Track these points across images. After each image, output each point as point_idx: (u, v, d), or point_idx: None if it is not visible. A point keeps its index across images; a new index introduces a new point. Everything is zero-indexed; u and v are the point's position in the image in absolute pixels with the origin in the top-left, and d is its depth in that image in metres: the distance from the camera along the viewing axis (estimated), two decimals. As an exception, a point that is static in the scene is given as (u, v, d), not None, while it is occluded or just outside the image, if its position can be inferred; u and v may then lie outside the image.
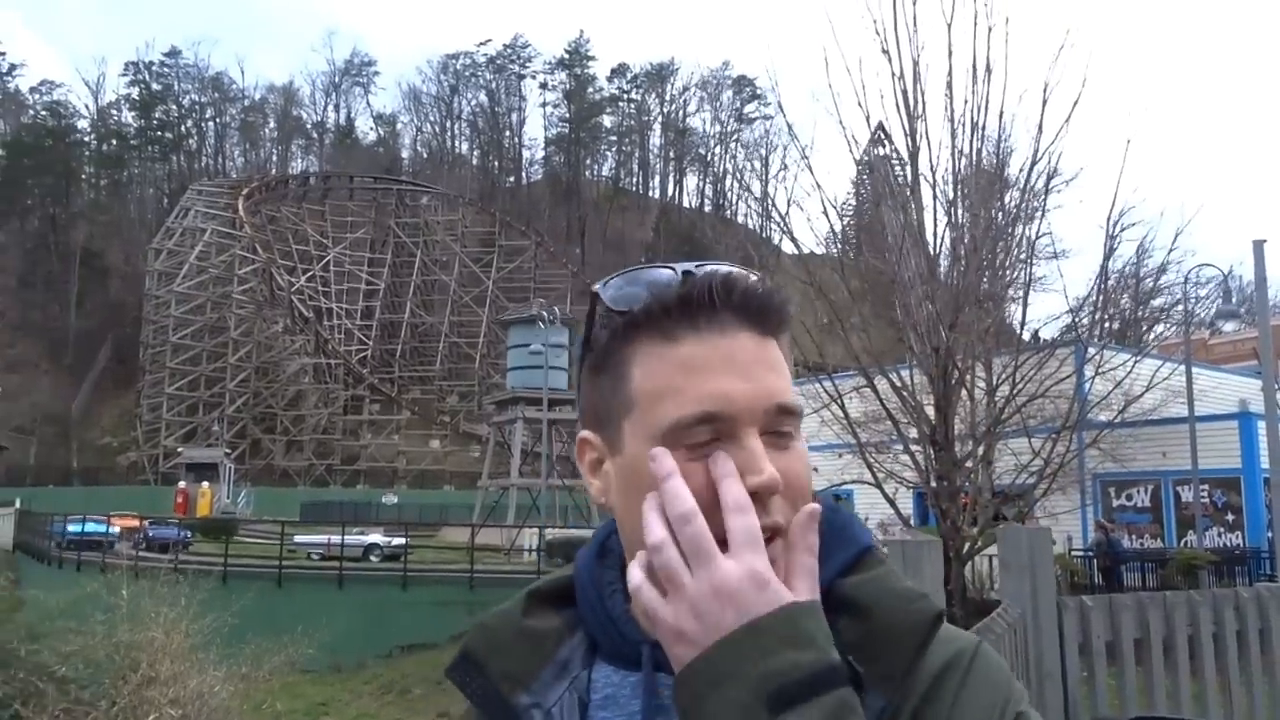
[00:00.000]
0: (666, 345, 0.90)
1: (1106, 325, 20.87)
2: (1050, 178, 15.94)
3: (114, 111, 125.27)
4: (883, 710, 0.86)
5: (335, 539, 31.54)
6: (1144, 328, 26.40)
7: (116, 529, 35.14)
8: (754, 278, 0.93)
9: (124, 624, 9.65)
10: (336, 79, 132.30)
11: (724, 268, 0.92)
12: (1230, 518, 24.43)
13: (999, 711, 0.88)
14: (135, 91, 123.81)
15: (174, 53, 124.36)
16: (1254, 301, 20.06)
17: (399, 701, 21.64)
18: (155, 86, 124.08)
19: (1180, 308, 24.42)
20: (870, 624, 0.90)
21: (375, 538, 34.18)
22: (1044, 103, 15.31)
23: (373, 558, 32.11)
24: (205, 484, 57.36)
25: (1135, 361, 16.62)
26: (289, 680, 14.24)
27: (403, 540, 32.57)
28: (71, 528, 35.35)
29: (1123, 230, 16.25)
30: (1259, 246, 16.99)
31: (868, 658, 0.88)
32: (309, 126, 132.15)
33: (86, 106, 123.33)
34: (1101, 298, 17.51)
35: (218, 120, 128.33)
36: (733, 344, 0.90)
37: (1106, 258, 16.25)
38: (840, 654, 0.87)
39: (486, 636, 1.00)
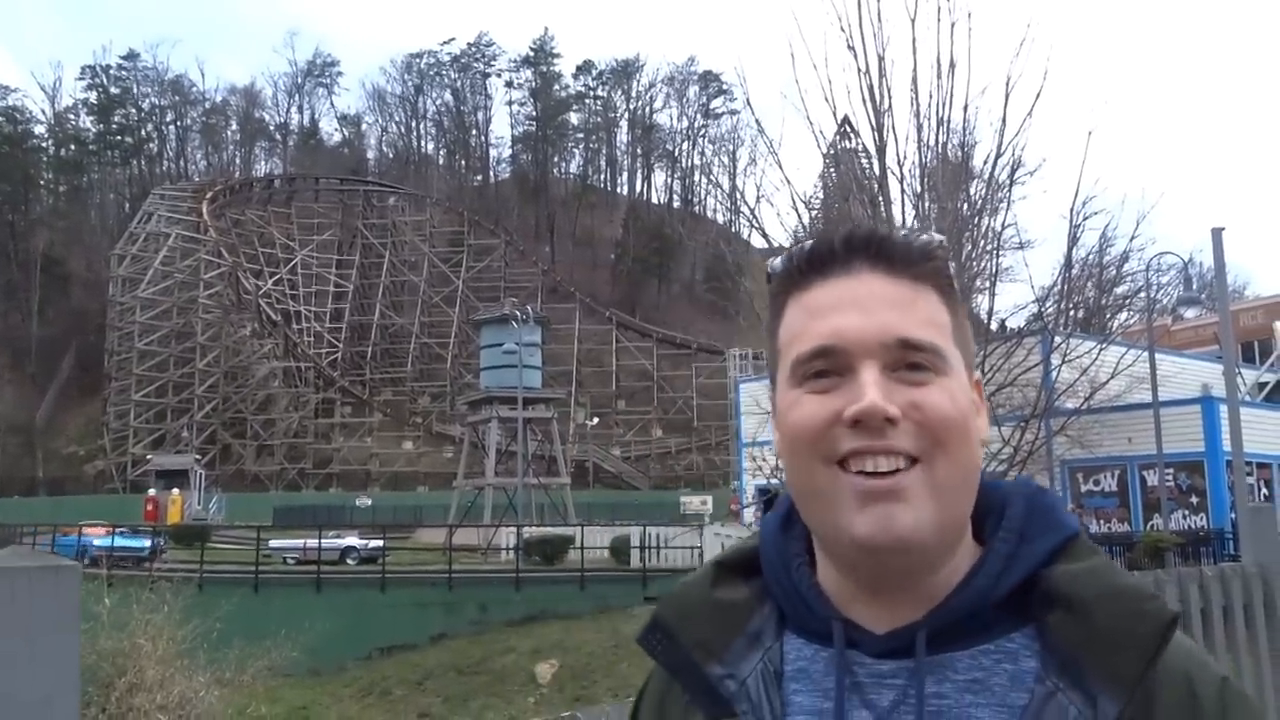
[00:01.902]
0: (801, 294, 0.96)
1: (1072, 314, 21.22)
2: (1014, 170, 16.20)
3: (72, 116, 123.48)
4: (1117, 716, 0.83)
5: (311, 543, 31.43)
6: (1108, 315, 26.82)
7: (148, 542, 33.47)
8: (898, 228, 0.98)
9: (105, 631, 9.65)
10: (299, 80, 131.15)
11: (870, 226, 0.97)
12: (1194, 500, 24.94)
13: None
14: (93, 95, 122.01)
15: (132, 55, 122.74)
16: (1214, 288, 20.52)
17: (380, 703, 21.64)
18: (114, 90, 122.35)
19: (1143, 295, 24.90)
20: (1092, 624, 0.86)
21: (351, 541, 34.08)
22: (1007, 96, 15.56)
23: (350, 561, 32.03)
24: (175, 491, 56.77)
25: (1100, 349, 16.94)
26: (270, 685, 14.25)
27: (380, 542, 32.52)
28: (99, 541, 32.74)
29: (1085, 219, 16.52)
30: (1217, 234, 17.38)
31: (1091, 661, 0.85)
32: (272, 128, 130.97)
33: (43, 111, 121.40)
34: (1066, 286, 17.82)
35: (179, 123, 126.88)
36: (857, 285, 0.93)
37: (1070, 247, 16.54)
38: (1054, 652, 0.87)
39: (677, 606, 1.01)
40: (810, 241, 0.98)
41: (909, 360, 0.91)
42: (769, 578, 1.00)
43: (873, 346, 0.90)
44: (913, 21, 15.95)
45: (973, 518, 0.97)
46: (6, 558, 1.38)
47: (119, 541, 32.05)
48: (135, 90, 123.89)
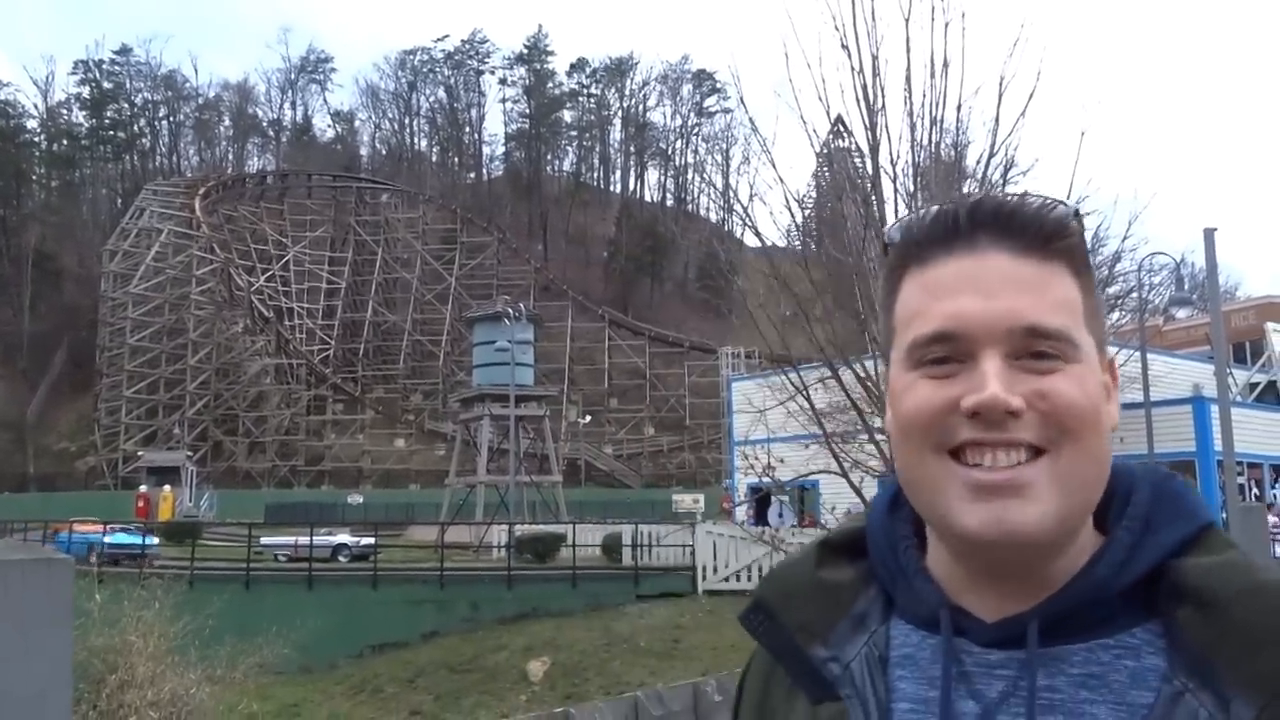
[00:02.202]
0: (921, 270, 0.90)
1: (1064, 314, 21.27)
2: (1007, 169, 16.22)
3: (64, 111, 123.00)
4: None
5: (302, 540, 31.36)
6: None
7: (156, 540, 33.10)
8: (1028, 197, 0.89)
9: (97, 628, 9.62)
10: (292, 76, 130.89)
11: (996, 195, 0.89)
12: (1185, 500, 25.06)
13: None
14: (86, 90, 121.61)
15: (125, 50, 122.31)
16: (1206, 288, 20.58)
17: (371, 701, 21.61)
18: (106, 85, 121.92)
19: (1135, 295, 24.96)
20: (1229, 621, 0.80)
21: (343, 538, 34.02)
22: (1000, 96, 15.58)
23: (341, 558, 31.98)
24: (167, 488, 56.63)
25: (1092, 349, 17.02)
26: (261, 682, 14.22)
27: (371, 540, 32.46)
28: (114, 539, 32.31)
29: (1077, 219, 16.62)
30: (1209, 235, 17.44)
31: (1227, 662, 0.79)
32: (265, 124, 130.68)
33: (35, 106, 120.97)
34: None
35: (171, 119, 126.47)
36: (982, 264, 0.87)
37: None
38: (1183, 650, 0.82)
39: (779, 586, 0.99)
40: (932, 210, 0.91)
41: (1035, 348, 0.85)
42: (875, 560, 0.97)
43: (997, 333, 0.84)
44: (906, 21, 15.96)
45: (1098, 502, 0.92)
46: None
47: (125, 539, 31.85)
48: (128, 85, 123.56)
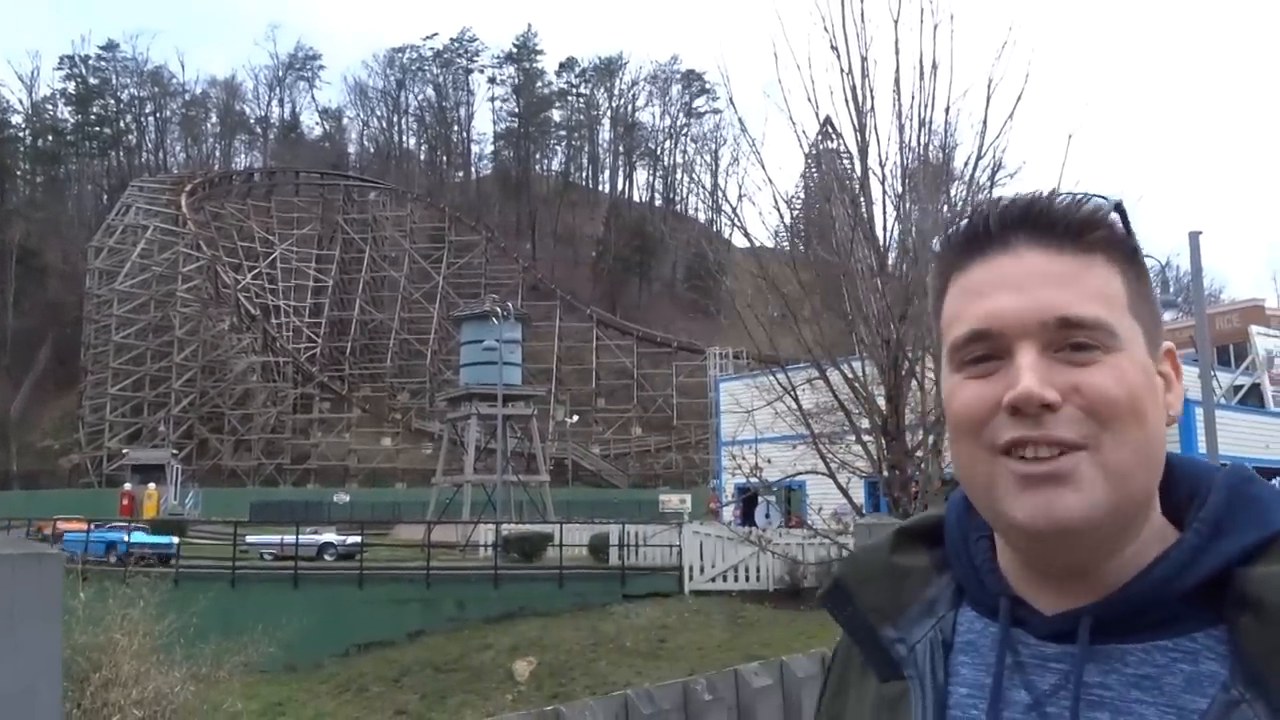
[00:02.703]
0: (962, 276, 0.92)
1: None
2: (995, 172, 16.28)
3: (49, 106, 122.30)
4: None
5: (288, 539, 31.25)
6: (1086, 318, 27.08)
7: (175, 540, 32.02)
8: (1058, 195, 0.91)
9: (80, 626, 9.57)
10: (280, 73, 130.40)
11: (1027, 195, 0.91)
12: (1169, 501, 25.21)
13: None
14: (71, 86, 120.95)
15: (111, 46, 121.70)
16: (1191, 291, 20.72)
17: (356, 700, 21.55)
18: (92, 81, 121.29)
19: (1120, 298, 25.08)
20: None
21: (329, 537, 33.92)
22: (988, 98, 15.64)
23: (327, 557, 31.88)
24: (152, 485, 56.39)
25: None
26: (246, 681, 14.17)
27: (357, 539, 32.37)
28: (138, 538, 31.33)
29: (1064, 223, 16.72)
30: (1195, 238, 17.58)
31: None
32: (252, 121, 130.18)
33: (20, 101, 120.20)
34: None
35: (158, 115, 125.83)
36: (1016, 263, 0.89)
37: (1050, 250, 16.71)
38: (1244, 659, 0.81)
39: (856, 568, 1.03)
40: (967, 219, 0.93)
41: (1072, 340, 0.86)
42: (949, 549, 0.99)
43: (1031, 327, 0.86)
44: (895, 23, 16.00)
45: (1178, 500, 0.92)
46: (-11, 545, 1.36)
47: (144, 538, 31.27)
48: (114, 81, 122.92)
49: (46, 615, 1.34)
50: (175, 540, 31.22)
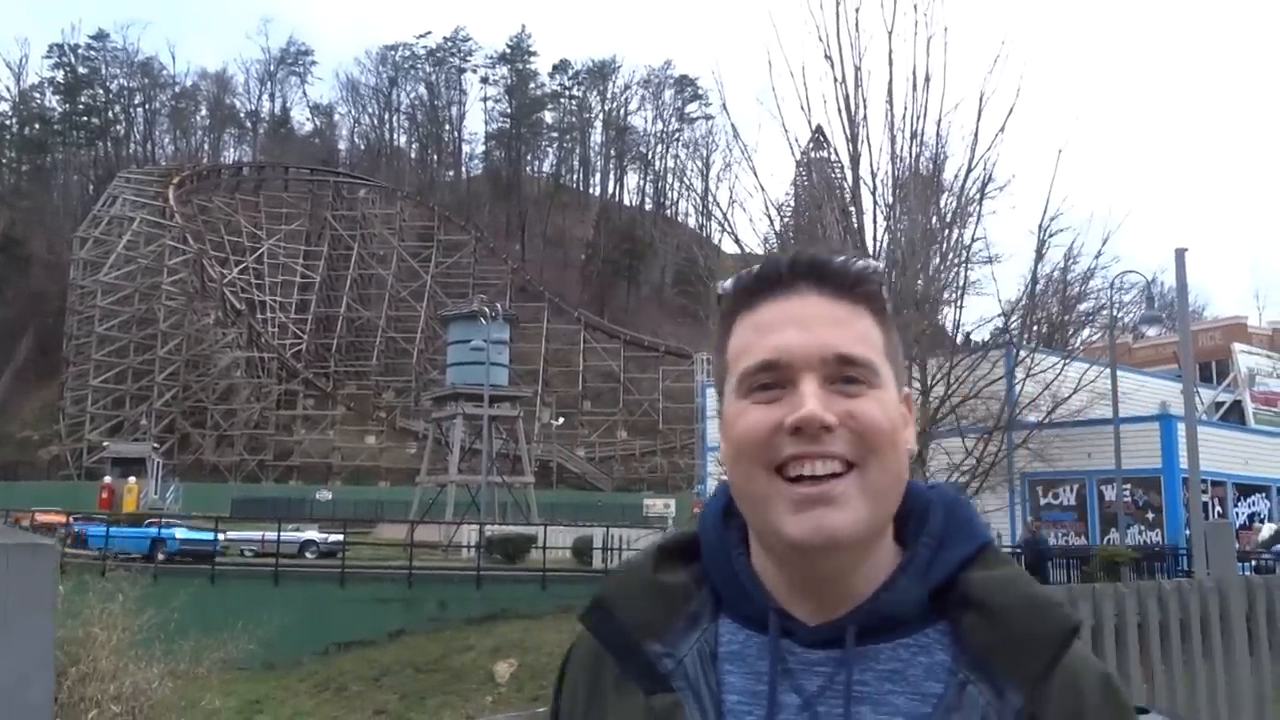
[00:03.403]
0: (750, 314, 1.04)
1: (1036, 329, 21.49)
2: (985, 184, 16.42)
3: (37, 95, 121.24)
4: (1021, 708, 0.94)
5: (269, 535, 31.08)
6: (1071, 331, 27.22)
7: (220, 536, 30.62)
8: (837, 253, 1.05)
9: (59, 619, 9.49)
10: (272, 67, 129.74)
11: (813, 249, 1.06)
12: (1151, 516, 25.33)
13: None
14: (60, 74, 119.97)
15: (101, 35, 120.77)
16: (1175, 307, 20.85)
17: (335, 699, 21.46)
18: (81, 70, 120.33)
19: (1106, 313, 25.24)
20: (1005, 629, 0.97)
21: (311, 534, 33.75)
22: (980, 111, 15.79)
23: (309, 554, 31.72)
24: (132, 479, 55.89)
25: (1063, 365, 17.18)
26: (224, 678, 14.08)
27: (339, 537, 32.22)
28: (182, 533, 30.21)
29: (1052, 236, 16.78)
30: (1180, 255, 17.69)
31: (1003, 660, 0.96)
32: (243, 115, 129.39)
33: (8, 89, 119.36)
34: (1031, 302, 18.05)
35: (147, 106, 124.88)
36: (801, 305, 1.02)
37: (1037, 263, 16.77)
38: (967, 648, 0.98)
39: (619, 587, 1.08)
40: (758, 265, 1.05)
41: (845, 374, 0.99)
42: (708, 564, 1.07)
43: (813, 361, 0.98)
44: (890, 34, 16.12)
45: (895, 517, 1.04)
46: (-14, 533, 1.35)
47: (190, 534, 30.48)
48: (104, 71, 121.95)
49: (40, 605, 1.33)
50: (220, 536, 30.35)
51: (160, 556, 27.88)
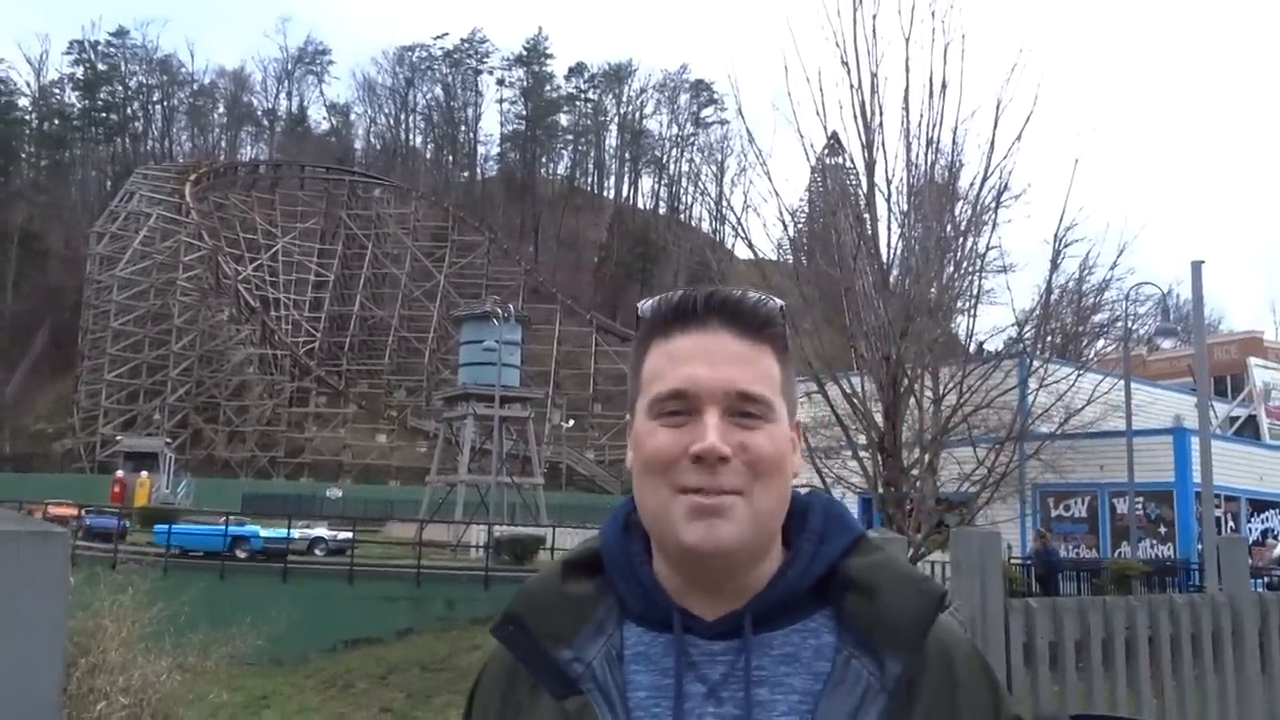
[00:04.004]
0: (665, 341, 1.13)
1: (1049, 339, 21.38)
2: (1000, 193, 16.33)
3: (57, 90, 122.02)
4: (900, 674, 1.04)
5: (279, 532, 31.17)
6: (1085, 343, 27.10)
7: (345, 535, 31.06)
8: (749, 293, 1.15)
9: (69, 610, 9.52)
10: (289, 66, 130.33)
11: (726, 288, 1.15)
12: (1163, 530, 25.17)
13: (1003, 708, 1.11)
14: (80, 71, 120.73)
15: (121, 32, 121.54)
16: (1191, 320, 20.72)
17: (342, 696, 21.49)
18: (101, 66, 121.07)
19: (1120, 324, 25.08)
20: (880, 602, 1.07)
21: (321, 531, 33.83)
22: (996, 119, 15.71)
23: (318, 551, 31.80)
24: (144, 473, 56.20)
25: (1077, 376, 17.07)
26: (232, 673, 14.12)
27: (349, 534, 32.30)
28: (267, 532, 30.25)
29: (1067, 246, 16.67)
30: (1197, 267, 17.60)
31: (880, 632, 1.06)
32: (260, 114, 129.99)
33: (28, 84, 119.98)
34: (1045, 312, 17.95)
35: (165, 103, 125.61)
36: (712, 340, 1.11)
37: (1051, 273, 16.68)
38: (849, 627, 1.08)
39: (530, 599, 1.16)
40: (677, 296, 1.15)
41: (743, 409, 1.09)
42: (612, 574, 1.15)
43: (717, 395, 1.08)
44: (907, 40, 16.06)
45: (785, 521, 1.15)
46: (-3, 521, 1.36)
47: (271, 534, 30.21)
48: (123, 68, 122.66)
49: (51, 594, 1.33)
50: (322, 534, 30.27)
51: (241, 555, 27.93)
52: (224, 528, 30.23)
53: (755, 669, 1.07)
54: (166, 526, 30.49)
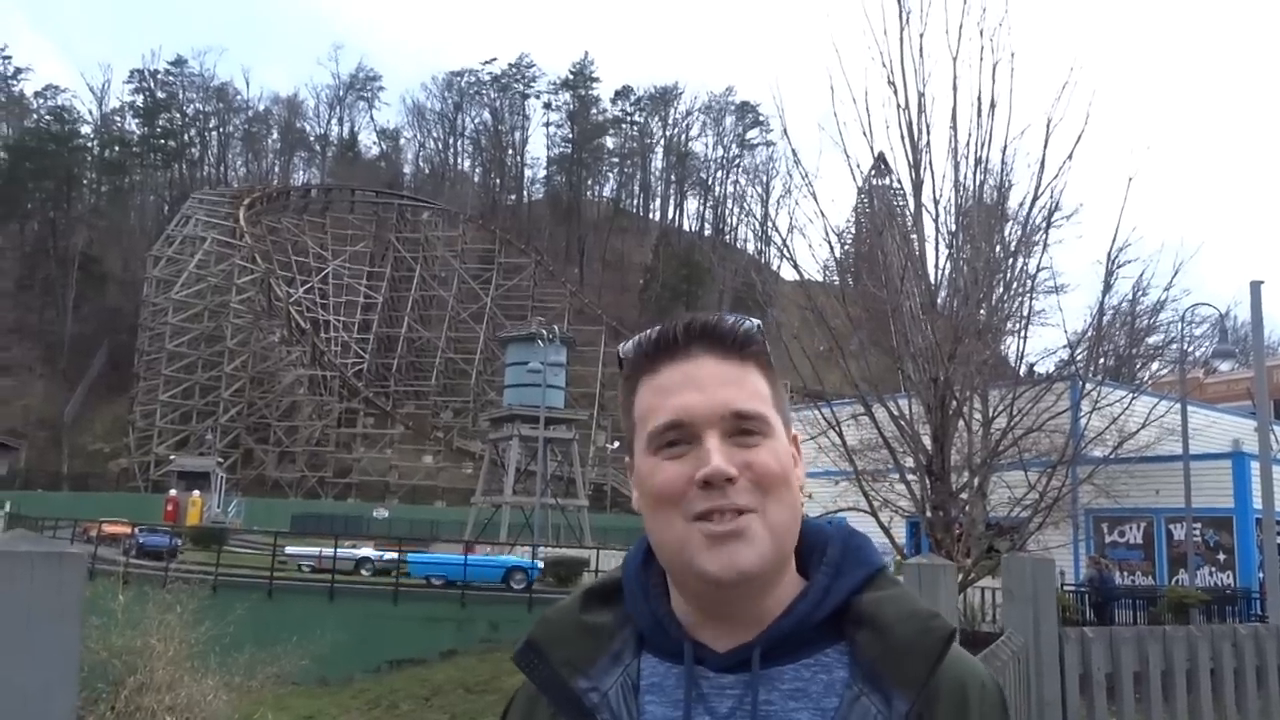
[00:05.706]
0: (652, 376, 1.14)
1: (1102, 361, 20.94)
2: (1051, 213, 16.02)
3: (118, 118, 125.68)
4: (906, 713, 1.03)
5: (326, 551, 31.41)
6: (1139, 365, 26.52)
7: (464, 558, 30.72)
8: (726, 316, 1.16)
9: (118, 629, 9.63)
10: (341, 92, 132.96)
11: (703, 315, 1.16)
12: (1222, 557, 24.46)
13: None
14: (140, 99, 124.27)
15: (180, 61, 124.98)
16: (1250, 342, 20.19)
17: (386, 717, 21.51)
18: (160, 94, 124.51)
19: (1175, 346, 24.51)
20: (891, 639, 1.06)
21: (367, 551, 34.05)
22: (1046, 138, 15.43)
23: (364, 571, 31.99)
24: (196, 493, 57.12)
25: (1131, 398, 16.67)
26: (278, 693, 14.19)
27: (394, 554, 32.44)
28: (363, 552, 31.02)
29: (1121, 267, 16.32)
30: (1256, 288, 17.14)
31: (888, 668, 1.05)
32: (312, 139, 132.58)
33: (90, 112, 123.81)
34: (1098, 333, 17.58)
35: (221, 130, 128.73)
36: (697, 367, 1.12)
37: (1104, 294, 16.32)
38: (860, 663, 1.07)
39: (549, 629, 1.16)
40: (655, 332, 1.15)
41: (741, 428, 1.09)
42: (630, 606, 1.16)
43: (713, 419, 1.09)
44: (954, 60, 15.87)
45: (797, 553, 1.14)
46: (8, 541, 1.33)
47: (431, 557, 30.24)
48: (181, 95, 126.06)
49: (65, 616, 1.31)
50: (464, 558, 30.06)
51: (517, 588, 27.98)
52: (505, 559, 30.63)
53: (763, 704, 1.06)
54: (426, 556, 30.25)
